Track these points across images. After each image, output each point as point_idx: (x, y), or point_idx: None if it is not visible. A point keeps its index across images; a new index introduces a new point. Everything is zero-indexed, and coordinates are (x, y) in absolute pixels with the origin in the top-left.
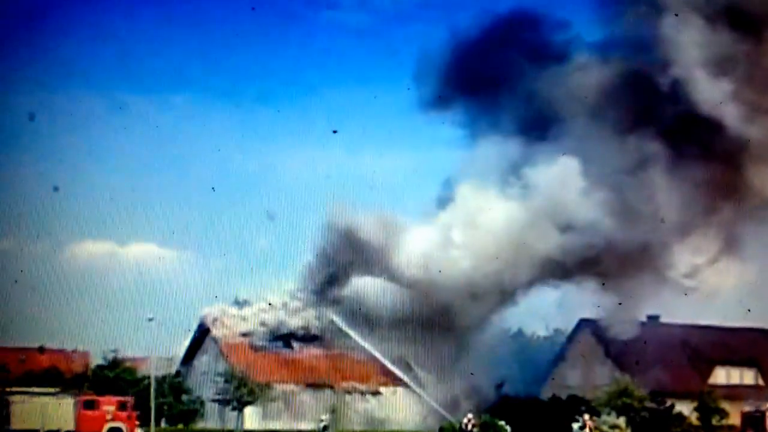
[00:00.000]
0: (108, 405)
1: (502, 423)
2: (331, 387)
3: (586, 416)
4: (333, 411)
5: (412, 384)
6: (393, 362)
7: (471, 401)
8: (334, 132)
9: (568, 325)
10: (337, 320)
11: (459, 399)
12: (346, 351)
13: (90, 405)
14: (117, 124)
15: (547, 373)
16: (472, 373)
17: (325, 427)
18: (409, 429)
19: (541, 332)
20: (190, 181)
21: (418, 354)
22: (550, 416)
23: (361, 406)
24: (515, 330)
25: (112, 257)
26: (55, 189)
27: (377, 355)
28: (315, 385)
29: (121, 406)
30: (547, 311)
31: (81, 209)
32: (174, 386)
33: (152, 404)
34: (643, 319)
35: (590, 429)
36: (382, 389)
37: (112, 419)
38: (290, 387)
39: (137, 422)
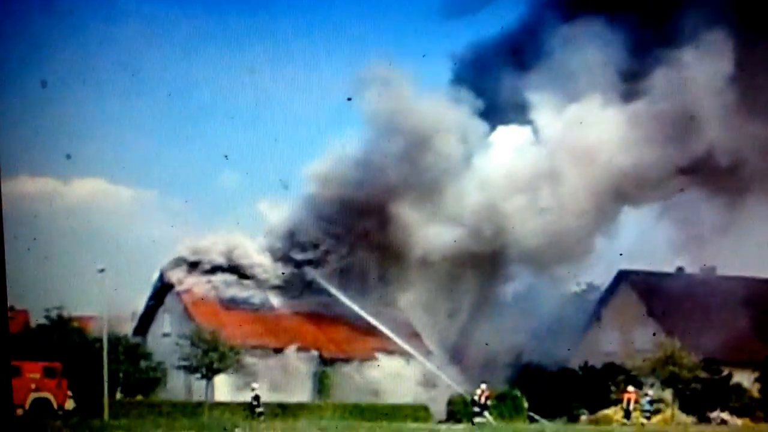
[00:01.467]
0: (32, 372)
1: (518, 393)
2: (319, 352)
3: (630, 388)
4: (321, 380)
5: (415, 350)
6: (393, 324)
7: (486, 370)
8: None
9: (605, 279)
10: (320, 279)
11: (472, 368)
12: (337, 310)
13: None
14: None
15: (579, 337)
16: (486, 343)
17: (257, 397)
18: (412, 402)
19: (572, 287)
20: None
21: (424, 314)
22: (581, 389)
23: (353, 376)
24: (538, 285)
25: (53, 195)
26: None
27: (371, 319)
28: (299, 350)
29: (49, 373)
30: (578, 259)
31: (13, 136)
32: (131, 350)
33: (105, 372)
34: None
35: (634, 402)
36: (379, 355)
37: (38, 389)
38: (269, 352)
39: (68, 392)
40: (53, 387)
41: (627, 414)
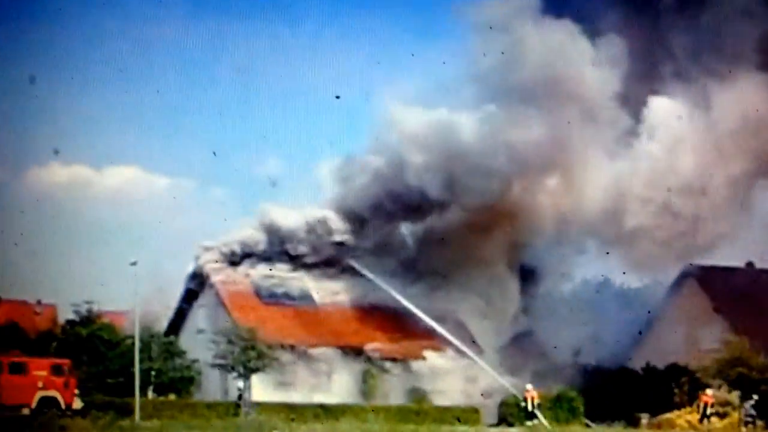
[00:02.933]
0: (39, 369)
1: (574, 395)
2: (362, 350)
3: (709, 391)
4: (364, 381)
5: (465, 348)
6: (443, 320)
7: (541, 371)
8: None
9: (669, 274)
10: (363, 269)
11: (526, 368)
12: (382, 305)
13: (16, 368)
14: None
15: (640, 336)
16: (542, 341)
17: (241, 396)
18: (461, 404)
19: (634, 282)
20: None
21: (475, 310)
22: (642, 390)
23: (399, 375)
24: (600, 279)
25: (85, 185)
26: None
27: (418, 312)
28: (341, 348)
29: (56, 371)
30: (641, 252)
31: (45, 122)
32: (164, 348)
33: (136, 370)
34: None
35: (710, 406)
36: (426, 354)
37: (45, 387)
38: (309, 350)
39: (76, 391)
40: (60, 385)
41: (703, 418)
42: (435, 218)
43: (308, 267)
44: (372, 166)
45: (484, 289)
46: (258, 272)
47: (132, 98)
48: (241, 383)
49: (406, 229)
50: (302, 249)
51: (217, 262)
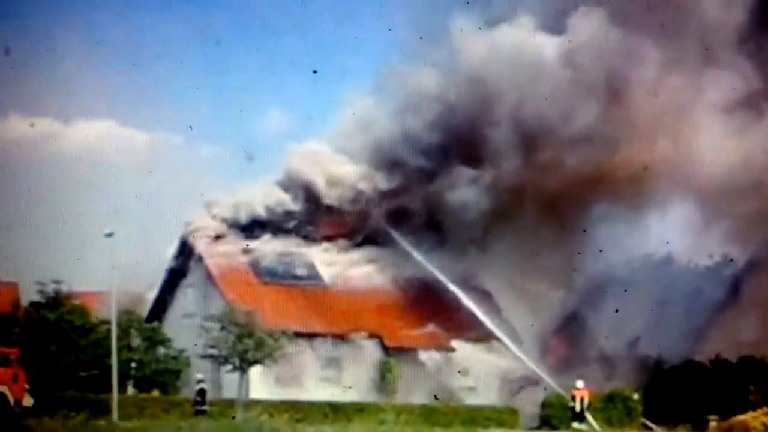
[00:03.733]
0: None
1: (636, 396)
2: (380, 338)
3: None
4: (382, 375)
5: (502, 336)
6: (474, 300)
7: (592, 365)
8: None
9: (744, 252)
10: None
11: (574, 362)
12: (404, 285)
13: None
14: None
15: (709, 323)
16: (593, 330)
17: (202, 391)
18: (496, 405)
19: (703, 260)
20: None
21: (513, 293)
22: (711, 387)
23: (423, 369)
24: (662, 255)
25: (50, 139)
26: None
27: (450, 285)
28: (354, 336)
29: (2, 362)
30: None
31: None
32: (146, 335)
33: (114, 361)
34: None
35: None
36: (455, 344)
37: None
38: (317, 338)
39: (26, 386)
40: (8, 379)
41: None
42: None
43: (316, 239)
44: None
45: (524, 262)
46: (258, 245)
47: (109, 69)
48: (200, 374)
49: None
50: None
51: (208, 233)
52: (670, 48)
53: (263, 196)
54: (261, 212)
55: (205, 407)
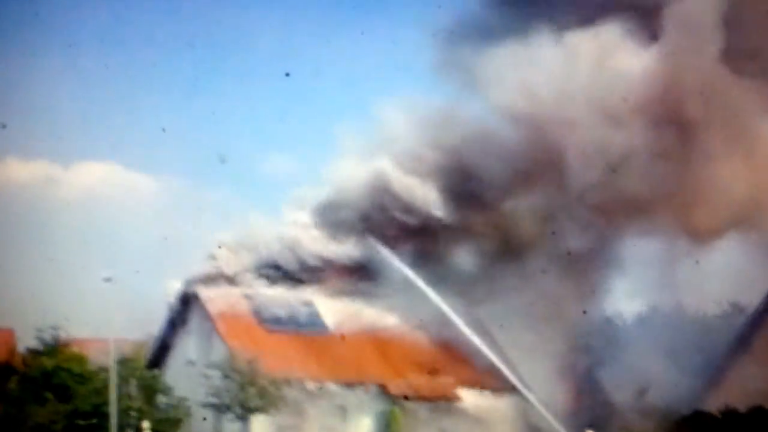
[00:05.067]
0: None
1: None
2: (383, 387)
3: None
4: (387, 424)
5: (515, 382)
6: (483, 343)
7: (599, 413)
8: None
9: (753, 298)
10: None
11: (581, 410)
12: (408, 332)
13: None
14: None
15: (719, 371)
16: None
17: None
18: None
19: (711, 308)
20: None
21: (520, 338)
22: None
23: (428, 418)
24: (670, 305)
25: (50, 183)
26: None
27: (463, 327)
28: (359, 384)
29: None
30: (722, 274)
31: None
32: (146, 383)
33: (112, 410)
34: None
35: None
36: (462, 393)
37: None
38: (320, 387)
39: None
40: None
41: None
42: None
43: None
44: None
45: (528, 308)
46: (260, 291)
47: (79, 76)
48: (146, 423)
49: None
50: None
51: (210, 279)
52: None
53: (265, 242)
54: (263, 258)
55: None
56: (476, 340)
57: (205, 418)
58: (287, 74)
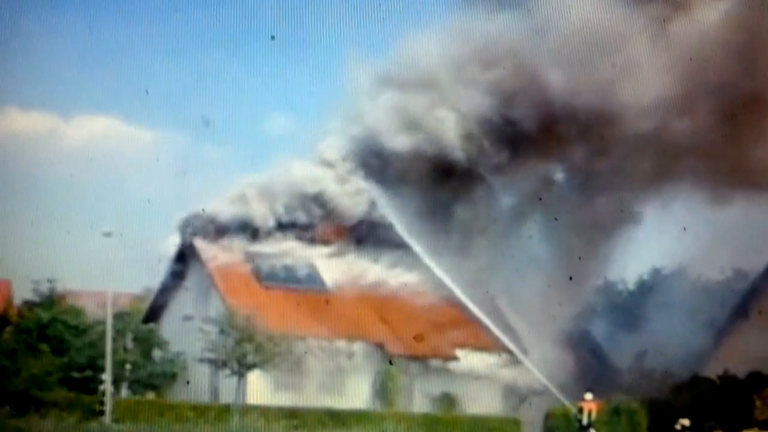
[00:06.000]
0: None
1: (637, 406)
2: (381, 345)
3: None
4: (383, 382)
5: (509, 344)
6: (478, 305)
7: (597, 376)
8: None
9: (755, 264)
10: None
11: (579, 373)
12: (406, 290)
13: None
14: None
15: (719, 336)
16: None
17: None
18: (498, 415)
19: (712, 273)
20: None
21: (520, 301)
22: (717, 402)
23: (425, 377)
24: (671, 269)
25: (50, 136)
26: None
27: (456, 289)
28: (355, 342)
29: None
30: (722, 239)
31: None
32: (142, 337)
33: (108, 363)
34: None
35: None
36: (459, 352)
37: None
38: (317, 344)
39: None
40: None
41: None
42: None
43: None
44: None
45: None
46: (260, 248)
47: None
48: (106, 375)
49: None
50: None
51: (209, 233)
52: None
53: (265, 197)
54: (263, 214)
55: (104, 407)
56: (469, 302)
57: (188, 382)
58: (273, 37)
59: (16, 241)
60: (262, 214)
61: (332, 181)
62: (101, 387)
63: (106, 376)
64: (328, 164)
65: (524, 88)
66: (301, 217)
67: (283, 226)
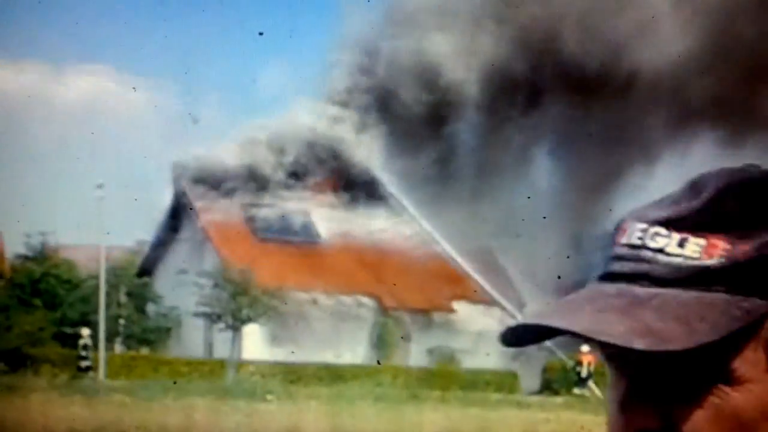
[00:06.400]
0: None
1: None
2: (377, 299)
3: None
4: (379, 337)
5: (502, 299)
6: (479, 265)
7: None
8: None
9: None
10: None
11: None
12: (401, 244)
13: None
14: None
15: None
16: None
17: (86, 346)
18: (496, 368)
19: None
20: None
21: (519, 254)
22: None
23: (422, 331)
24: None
25: (43, 87)
26: None
27: (447, 245)
28: (352, 296)
29: None
30: None
31: None
32: (136, 291)
33: (101, 318)
34: None
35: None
36: (456, 305)
37: None
38: (313, 298)
39: None
40: None
41: None
42: None
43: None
44: None
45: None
46: (254, 200)
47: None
48: (85, 330)
49: None
50: (309, 165)
51: (202, 186)
52: None
53: (259, 149)
54: (256, 166)
55: (87, 363)
56: (465, 257)
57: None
58: (261, 33)
59: (7, 194)
60: (267, 163)
61: (344, 131)
62: (80, 341)
63: (99, 333)
64: (339, 109)
65: (541, 37)
66: (307, 168)
67: (288, 176)
